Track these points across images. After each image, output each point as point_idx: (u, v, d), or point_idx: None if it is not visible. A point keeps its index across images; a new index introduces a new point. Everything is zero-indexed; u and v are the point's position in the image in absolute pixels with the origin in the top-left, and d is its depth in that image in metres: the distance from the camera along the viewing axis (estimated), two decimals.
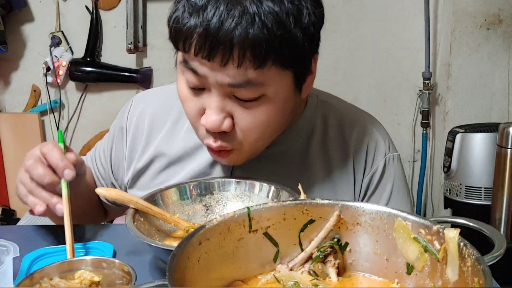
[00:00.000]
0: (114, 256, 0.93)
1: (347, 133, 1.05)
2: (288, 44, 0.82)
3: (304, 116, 1.04)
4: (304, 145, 1.04)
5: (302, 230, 0.72)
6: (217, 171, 1.05)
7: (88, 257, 0.82)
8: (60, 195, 0.90)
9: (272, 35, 0.79)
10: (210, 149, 0.93)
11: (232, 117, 0.87)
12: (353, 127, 1.05)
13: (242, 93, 0.84)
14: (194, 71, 0.84)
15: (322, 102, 1.07)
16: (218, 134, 0.88)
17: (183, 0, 0.84)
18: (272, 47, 0.80)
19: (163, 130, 1.09)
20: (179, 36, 0.84)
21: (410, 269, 0.67)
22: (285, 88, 0.87)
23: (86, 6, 2.33)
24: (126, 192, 1.03)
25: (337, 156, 1.04)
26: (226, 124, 0.86)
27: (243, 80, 0.82)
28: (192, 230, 0.71)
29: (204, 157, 1.05)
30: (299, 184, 0.86)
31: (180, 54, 0.88)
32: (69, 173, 0.90)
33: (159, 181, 1.07)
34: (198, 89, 0.87)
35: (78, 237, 0.96)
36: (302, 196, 0.84)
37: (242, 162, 0.96)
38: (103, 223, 1.25)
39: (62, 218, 0.90)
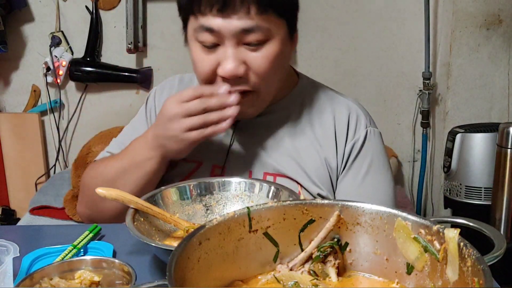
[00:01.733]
0: (114, 256, 0.93)
1: (332, 107, 1.17)
2: None
3: (295, 90, 1.19)
4: (296, 114, 1.17)
5: (302, 230, 0.72)
6: (218, 137, 1.15)
7: (88, 257, 0.82)
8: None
9: None
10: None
11: (245, 64, 1.02)
12: (338, 102, 1.18)
13: (251, 37, 1.00)
14: (209, 29, 1.00)
15: (311, 82, 1.24)
16: (234, 80, 1.02)
17: None
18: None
19: None
20: (193, 3, 1.01)
21: (410, 269, 0.68)
22: (282, 33, 1.05)
23: (86, 6, 2.33)
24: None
25: (321, 125, 1.16)
26: (241, 69, 1.02)
27: (252, 25, 0.99)
28: (192, 230, 0.71)
29: None
30: (299, 185, 0.88)
31: (193, 23, 1.03)
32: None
33: None
34: (212, 47, 1.02)
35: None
36: (301, 197, 0.84)
37: (257, 111, 1.11)
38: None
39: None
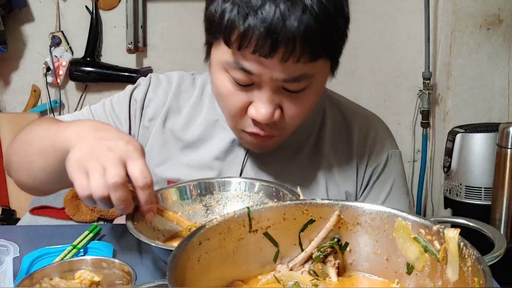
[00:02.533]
0: (114, 256, 0.93)
1: (351, 127, 1.09)
2: (336, 36, 0.89)
3: (314, 110, 1.06)
4: (316, 137, 1.08)
5: (302, 230, 0.72)
6: (231, 157, 1.06)
7: (88, 257, 0.82)
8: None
9: (326, 29, 0.85)
10: (253, 135, 0.95)
11: (280, 107, 0.91)
12: (356, 120, 1.09)
13: (294, 86, 0.89)
14: (247, 71, 0.87)
15: (328, 97, 1.12)
16: (266, 124, 0.92)
17: (231, 0, 0.85)
18: (326, 40, 0.86)
19: (180, 115, 1.09)
20: (232, 35, 0.85)
21: (410, 269, 0.67)
22: (325, 76, 0.95)
23: (86, 6, 2.33)
24: None
25: (342, 148, 1.08)
26: (277, 115, 0.91)
27: (299, 75, 0.87)
28: (194, 229, 0.71)
29: (218, 143, 1.06)
30: (298, 187, 0.87)
31: (226, 53, 0.88)
32: (151, 217, 0.84)
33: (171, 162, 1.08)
34: (246, 85, 0.90)
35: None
36: (302, 198, 0.84)
37: (274, 147, 1.01)
38: (103, 223, 1.25)
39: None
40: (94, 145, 0.81)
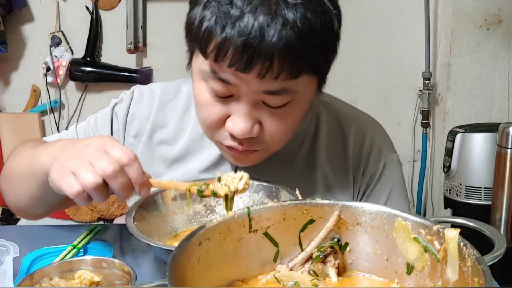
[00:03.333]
0: (114, 256, 0.93)
1: (346, 133, 1.05)
2: (322, 52, 0.83)
3: (306, 117, 1.02)
4: (310, 146, 1.04)
5: (302, 230, 0.72)
6: (220, 170, 1.03)
7: (88, 257, 0.82)
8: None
9: (310, 46, 0.79)
10: (231, 149, 0.91)
11: (259, 122, 0.86)
12: (351, 126, 1.05)
13: (273, 100, 0.84)
14: (224, 81, 0.82)
15: (321, 102, 1.07)
16: (244, 139, 0.87)
17: (211, 7, 0.80)
18: (309, 57, 0.81)
19: (166, 128, 1.06)
20: (209, 46, 0.80)
21: (410, 269, 0.67)
22: (310, 92, 0.88)
23: (86, 6, 2.33)
24: None
25: (337, 156, 1.05)
26: (255, 130, 0.86)
27: (279, 89, 0.82)
28: (194, 187, 0.73)
29: (208, 156, 1.04)
30: (296, 189, 0.87)
31: (204, 62, 0.84)
32: (146, 192, 0.82)
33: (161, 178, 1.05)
34: (225, 97, 0.85)
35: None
36: (300, 198, 0.84)
37: (259, 162, 0.95)
38: (103, 223, 1.25)
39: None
40: (70, 152, 0.81)
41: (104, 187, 0.78)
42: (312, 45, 0.80)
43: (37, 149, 0.92)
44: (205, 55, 0.82)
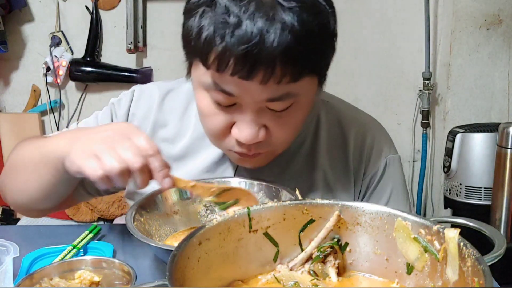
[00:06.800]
0: (114, 256, 0.93)
1: (346, 133, 1.05)
2: (322, 52, 0.84)
3: (309, 117, 1.02)
4: (310, 145, 1.04)
5: (302, 230, 0.72)
6: (221, 169, 1.04)
7: (88, 257, 0.82)
8: None
9: (310, 48, 0.80)
10: (241, 155, 0.91)
11: (264, 126, 0.87)
12: (353, 126, 1.05)
13: (277, 105, 0.84)
14: (227, 92, 0.82)
15: (322, 101, 1.07)
16: (252, 144, 0.87)
17: (208, 17, 0.79)
18: (309, 59, 0.81)
19: (167, 127, 1.06)
20: (209, 56, 0.80)
21: (410, 269, 0.67)
22: (312, 92, 0.89)
23: (86, 6, 2.33)
24: None
25: (338, 156, 1.04)
26: (262, 134, 0.86)
27: (282, 94, 0.82)
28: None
29: (209, 155, 1.04)
30: (297, 189, 0.87)
31: (205, 74, 0.83)
32: (168, 183, 0.80)
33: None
34: (228, 106, 0.85)
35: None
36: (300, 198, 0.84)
37: (265, 164, 0.96)
38: (103, 223, 1.25)
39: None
40: (91, 136, 0.81)
41: (128, 173, 0.78)
42: (311, 46, 0.80)
43: (45, 139, 0.92)
44: (206, 65, 0.82)
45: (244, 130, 0.85)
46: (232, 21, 0.76)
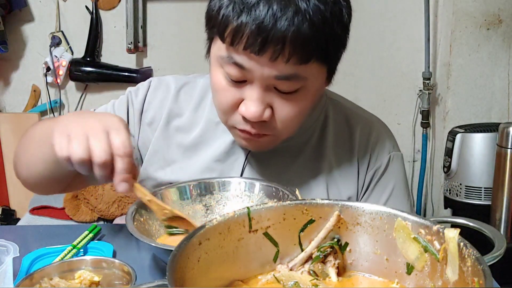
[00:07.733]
0: (114, 256, 0.93)
1: (353, 129, 1.09)
2: (331, 41, 0.89)
3: (315, 112, 1.08)
4: (317, 139, 1.08)
5: (302, 230, 0.72)
6: (232, 159, 1.06)
7: (88, 257, 0.82)
8: None
9: (320, 33, 0.85)
10: (243, 132, 0.95)
11: (271, 107, 0.92)
12: (358, 123, 1.10)
13: (285, 85, 0.89)
14: (239, 65, 0.88)
15: (330, 99, 1.12)
16: (256, 122, 0.92)
17: None
18: (319, 45, 0.86)
19: (182, 117, 1.09)
20: (226, 30, 0.87)
21: (410, 269, 0.67)
22: (320, 81, 0.94)
23: (86, 6, 2.33)
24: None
25: (344, 150, 1.08)
26: (267, 114, 0.91)
27: (289, 74, 0.87)
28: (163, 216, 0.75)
29: (220, 145, 1.06)
30: (297, 189, 0.88)
31: (221, 48, 0.90)
32: (122, 188, 0.80)
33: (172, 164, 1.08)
34: (239, 81, 0.91)
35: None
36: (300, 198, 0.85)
37: (270, 148, 1.01)
38: (103, 223, 1.25)
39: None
40: (79, 118, 0.85)
41: (89, 164, 0.79)
42: (322, 32, 0.85)
43: (54, 119, 0.96)
44: (222, 38, 0.89)
45: (250, 107, 0.90)
46: (250, 1, 0.84)
